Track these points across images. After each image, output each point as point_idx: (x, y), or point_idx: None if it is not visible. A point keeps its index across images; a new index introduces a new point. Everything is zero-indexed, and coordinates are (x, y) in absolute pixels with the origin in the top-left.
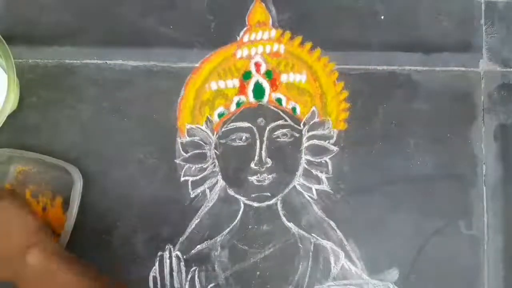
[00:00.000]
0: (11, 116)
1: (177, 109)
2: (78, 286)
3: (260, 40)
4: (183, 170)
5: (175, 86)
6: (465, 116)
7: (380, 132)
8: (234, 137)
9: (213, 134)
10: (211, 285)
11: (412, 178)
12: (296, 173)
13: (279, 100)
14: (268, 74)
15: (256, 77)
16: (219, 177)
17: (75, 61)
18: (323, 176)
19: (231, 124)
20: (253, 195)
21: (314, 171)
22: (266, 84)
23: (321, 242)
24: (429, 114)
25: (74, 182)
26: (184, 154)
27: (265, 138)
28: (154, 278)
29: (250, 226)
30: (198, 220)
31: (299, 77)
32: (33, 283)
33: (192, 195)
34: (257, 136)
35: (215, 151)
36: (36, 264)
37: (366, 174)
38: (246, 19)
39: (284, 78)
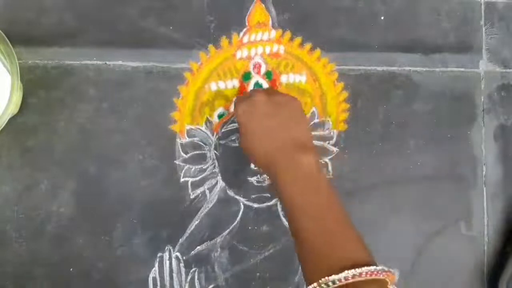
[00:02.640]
0: (10, 117)
1: (177, 110)
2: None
3: (260, 41)
4: (183, 171)
5: (174, 87)
6: (465, 116)
7: (380, 133)
8: (234, 137)
9: (213, 135)
10: (211, 286)
11: (412, 178)
12: None
13: None
14: (268, 75)
15: (256, 78)
16: (219, 178)
17: (74, 62)
18: None
19: (231, 124)
20: (253, 196)
21: None
22: (266, 85)
23: None
24: (429, 115)
25: None
26: (184, 155)
27: None
28: (154, 279)
29: (250, 227)
30: (198, 221)
31: (299, 78)
32: None
33: (192, 196)
34: None
35: (215, 152)
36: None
37: (366, 175)
38: (246, 19)
39: (284, 78)
